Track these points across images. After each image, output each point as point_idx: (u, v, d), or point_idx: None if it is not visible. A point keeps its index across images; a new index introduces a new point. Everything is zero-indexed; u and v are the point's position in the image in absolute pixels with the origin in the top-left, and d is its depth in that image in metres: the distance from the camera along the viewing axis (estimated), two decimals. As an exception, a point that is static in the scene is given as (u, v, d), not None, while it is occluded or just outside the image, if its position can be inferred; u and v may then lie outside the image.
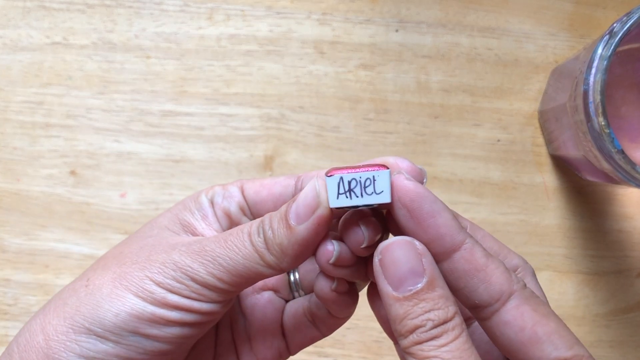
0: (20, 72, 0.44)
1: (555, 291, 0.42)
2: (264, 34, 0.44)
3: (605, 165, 0.33)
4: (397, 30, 0.44)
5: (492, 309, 0.21)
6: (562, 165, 0.43)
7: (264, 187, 0.26)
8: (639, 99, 0.36)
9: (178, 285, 0.22)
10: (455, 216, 0.22)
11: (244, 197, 0.26)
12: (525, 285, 0.22)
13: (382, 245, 0.21)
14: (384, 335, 0.41)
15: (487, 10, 0.44)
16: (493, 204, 0.42)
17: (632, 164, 0.31)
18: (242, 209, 0.26)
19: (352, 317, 0.41)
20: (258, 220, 0.23)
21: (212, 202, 0.26)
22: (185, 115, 0.43)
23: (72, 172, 0.43)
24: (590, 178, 0.40)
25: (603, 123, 0.31)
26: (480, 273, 0.21)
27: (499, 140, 0.43)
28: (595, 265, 0.42)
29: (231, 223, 0.26)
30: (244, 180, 0.27)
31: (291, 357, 0.42)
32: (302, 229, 0.21)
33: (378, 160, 0.22)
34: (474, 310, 0.22)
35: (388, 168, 0.21)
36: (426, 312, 0.20)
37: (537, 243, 0.42)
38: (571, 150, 0.38)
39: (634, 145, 0.35)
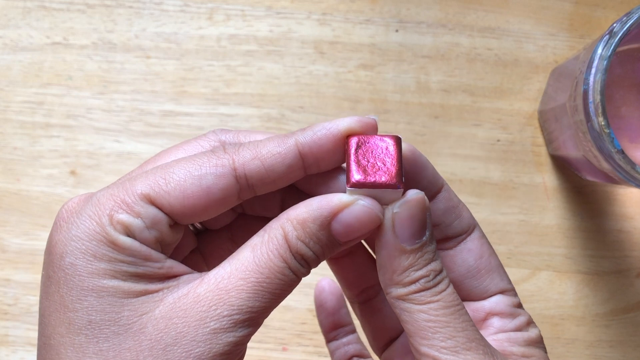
0: (20, 72, 0.44)
1: (555, 291, 0.42)
2: (264, 34, 0.44)
3: (605, 165, 0.33)
4: (397, 30, 0.44)
5: (459, 239, 0.24)
6: (562, 165, 0.43)
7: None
8: (639, 99, 0.36)
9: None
10: None
11: (168, 207, 0.21)
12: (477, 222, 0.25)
13: (402, 200, 0.21)
14: (384, 335, 0.41)
15: (487, 10, 0.44)
16: (493, 204, 0.42)
17: (632, 164, 0.31)
18: (171, 227, 0.21)
19: (352, 317, 0.42)
20: (286, 243, 0.21)
21: (132, 235, 0.20)
22: (185, 115, 0.43)
23: (72, 172, 0.43)
24: (590, 178, 0.40)
25: (603, 123, 0.31)
26: (455, 209, 0.24)
27: (498, 140, 0.43)
28: (595, 265, 0.42)
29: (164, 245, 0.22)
30: (162, 168, 0.21)
31: (291, 357, 0.42)
32: (351, 242, 0.22)
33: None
34: (442, 243, 0.24)
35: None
36: (428, 263, 0.22)
37: (537, 243, 0.42)
38: (571, 150, 0.38)
39: (633, 145, 0.35)
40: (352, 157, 0.21)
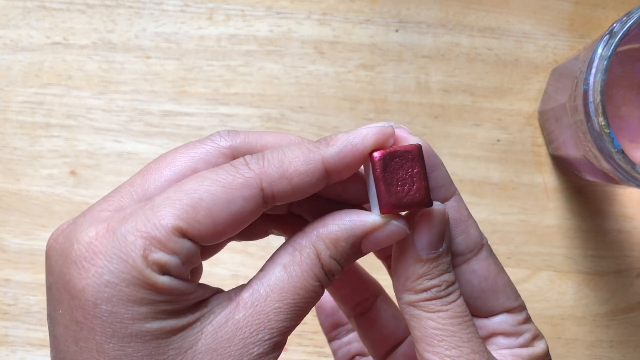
0: (20, 72, 0.44)
1: (555, 291, 0.42)
2: (264, 34, 0.44)
3: (605, 165, 0.33)
4: (397, 30, 0.44)
5: (464, 258, 0.23)
6: (562, 165, 0.43)
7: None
8: (639, 99, 0.36)
9: None
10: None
11: (199, 238, 0.20)
12: (487, 241, 0.25)
13: (423, 211, 0.22)
14: (384, 335, 0.41)
15: (487, 10, 0.44)
16: (493, 204, 0.42)
17: (632, 164, 0.31)
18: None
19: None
20: (319, 262, 0.21)
21: (168, 273, 0.20)
22: (185, 115, 0.43)
23: (72, 172, 0.43)
24: (590, 178, 0.40)
25: (603, 123, 0.31)
26: (463, 224, 0.23)
27: (499, 140, 0.43)
28: (595, 265, 0.42)
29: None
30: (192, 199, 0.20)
31: (291, 357, 0.42)
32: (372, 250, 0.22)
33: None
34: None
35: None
36: (442, 273, 0.22)
37: (537, 243, 0.42)
38: (571, 150, 0.38)
39: (634, 145, 0.35)
40: (381, 180, 0.21)
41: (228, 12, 0.44)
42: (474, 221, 0.24)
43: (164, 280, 0.19)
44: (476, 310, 0.24)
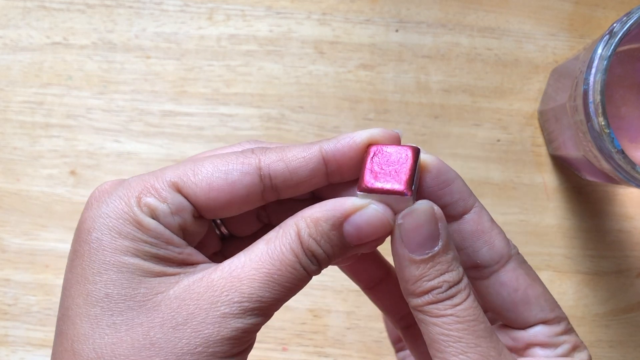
0: (20, 72, 0.44)
1: (555, 291, 0.42)
2: (264, 34, 0.44)
3: (605, 165, 0.33)
4: (397, 30, 0.44)
5: (491, 269, 0.23)
6: (562, 165, 0.43)
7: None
8: (639, 99, 0.36)
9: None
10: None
11: (193, 197, 0.22)
12: (518, 251, 0.24)
13: (405, 210, 0.22)
14: (384, 335, 0.41)
15: (487, 10, 0.44)
16: (493, 204, 0.42)
17: (632, 164, 0.31)
18: (195, 219, 0.22)
19: (352, 316, 0.42)
20: (298, 239, 0.21)
21: (156, 218, 0.21)
22: (185, 115, 0.43)
23: (72, 172, 0.43)
24: (590, 178, 0.40)
25: (603, 123, 0.31)
26: (485, 235, 0.23)
27: (499, 140, 0.43)
28: (595, 265, 0.42)
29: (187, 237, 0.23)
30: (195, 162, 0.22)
31: (290, 357, 0.42)
32: (362, 246, 0.22)
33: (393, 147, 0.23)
34: (472, 270, 0.24)
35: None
36: (441, 274, 0.22)
37: (537, 243, 0.42)
38: (571, 150, 0.38)
39: (633, 145, 0.35)
40: (367, 164, 0.22)
41: (228, 12, 0.44)
42: (500, 232, 0.24)
43: (149, 221, 0.21)
44: (511, 321, 0.24)
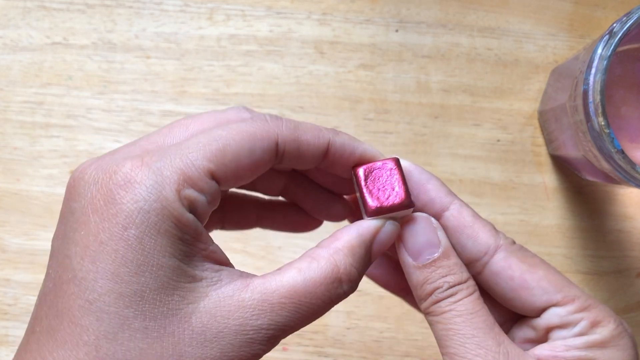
0: (20, 72, 0.44)
1: (555, 291, 0.42)
2: (264, 34, 0.44)
3: (605, 165, 0.33)
4: (397, 31, 0.44)
5: (482, 262, 0.24)
6: (562, 165, 0.43)
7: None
8: (638, 99, 0.36)
9: None
10: (444, 185, 0.25)
11: (224, 180, 0.22)
12: (513, 241, 0.25)
13: (406, 224, 0.24)
14: (384, 335, 0.41)
15: (487, 10, 0.44)
16: (493, 204, 0.42)
17: (632, 164, 0.31)
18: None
19: (352, 316, 0.42)
20: (335, 272, 0.22)
21: (194, 212, 0.21)
22: (185, 115, 0.43)
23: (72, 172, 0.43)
24: (590, 178, 0.40)
25: (603, 123, 0.31)
26: (467, 229, 0.24)
27: (498, 140, 0.43)
28: (595, 265, 0.42)
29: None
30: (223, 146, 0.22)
31: (291, 357, 0.42)
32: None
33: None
34: (468, 267, 0.24)
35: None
36: (443, 276, 0.23)
37: (536, 243, 0.42)
38: (571, 150, 0.38)
39: (633, 145, 0.35)
40: (364, 188, 0.24)
41: (228, 12, 0.44)
42: (485, 225, 0.25)
43: (188, 217, 0.20)
44: (521, 309, 0.24)
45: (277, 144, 0.22)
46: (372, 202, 0.24)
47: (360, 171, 0.24)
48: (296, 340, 0.41)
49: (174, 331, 0.20)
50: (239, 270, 0.22)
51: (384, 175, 0.24)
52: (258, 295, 0.21)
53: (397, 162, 0.24)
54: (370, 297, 0.42)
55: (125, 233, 0.20)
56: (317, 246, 0.23)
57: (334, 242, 0.23)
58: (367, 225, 0.23)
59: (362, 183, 0.24)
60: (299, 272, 0.22)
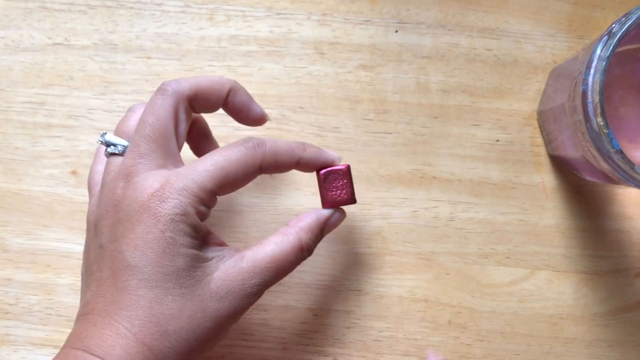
0: (21, 72, 0.44)
1: (554, 291, 0.42)
2: (264, 34, 0.44)
3: (604, 166, 0.33)
4: (396, 31, 0.44)
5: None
6: (561, 166, 0.43)
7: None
8: (637, 99, 0.36)
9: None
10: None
11: (222, 194, 0.32)
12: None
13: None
14: (384, 334, 0.42)
15: (486, 11, 0.44)
16: (492, 204, 0.43)
17: (631, 164, 0.31)
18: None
19: (352, 316, 0.42)
20: (300, 244, 0.33)
21: (203, 218, 0.32)
22: (185, 116, 0.43)
23: (74, 172, 0.43)
24: (589, 178, 0.40)
25: (602, 123, 0.31)
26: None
27: (498, 141, 0.43)
28: (594, 265, 0.42)
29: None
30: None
31: (291, 357, 0.42)
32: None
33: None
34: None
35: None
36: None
37: (536, 243, 0.42)
38: (570, 151, 0.38)
39: (632, 145, 0.35)
40: (323, 188, 0.35)
41: (228, 13, 0.44)
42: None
43: (201, 223, 0.31)
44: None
45: (261, 168, 0.32)
46: (328, 198, 0.35)
47: (322, 174, 0.35)
48: (296, 340, 0.41)
49: (200, 294, 0.30)
50: (235, 248, 0.33)
51: (338, 178, 0.34)
52: (251, 263, 0.32)
53: (348, 168, 0.34)
54: (370, 296, 0.42)
55: (164, 234, 0.30)
56: (287, 225, 0.34)
57: (299, 222, 0.34)
58: (322, 212, 0.35)
59: (322, 183, 0.35)
60: (275, 244, 0.32)
